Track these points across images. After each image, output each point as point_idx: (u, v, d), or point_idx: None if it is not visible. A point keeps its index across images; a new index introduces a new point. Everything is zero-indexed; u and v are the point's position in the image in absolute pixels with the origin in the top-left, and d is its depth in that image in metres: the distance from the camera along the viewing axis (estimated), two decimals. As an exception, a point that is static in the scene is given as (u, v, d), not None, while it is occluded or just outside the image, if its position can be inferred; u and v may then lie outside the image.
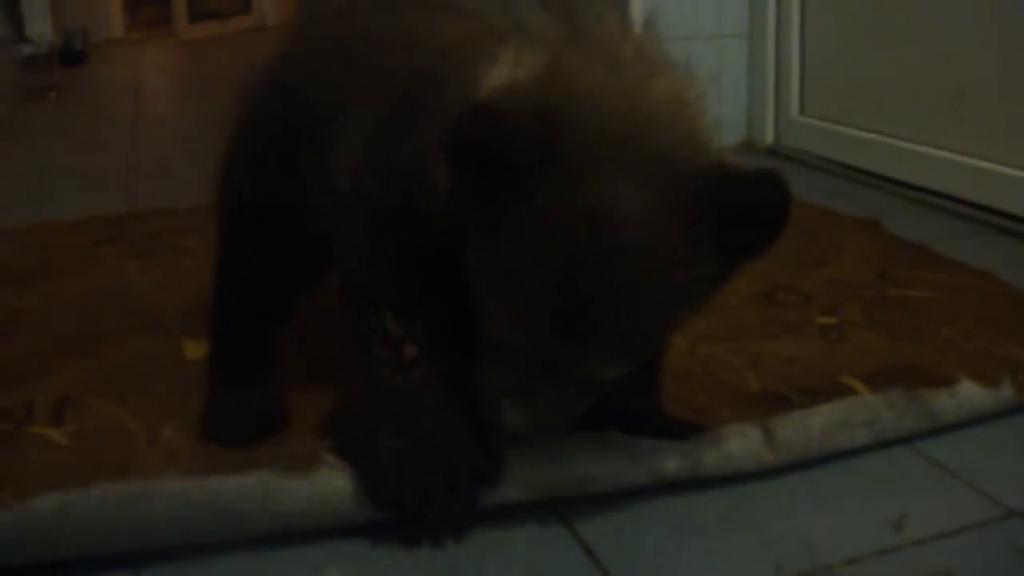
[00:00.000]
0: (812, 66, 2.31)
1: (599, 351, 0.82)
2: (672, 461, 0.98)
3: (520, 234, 0.80)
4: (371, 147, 0.95)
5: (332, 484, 0.94)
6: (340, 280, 1.03)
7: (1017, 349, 1.22)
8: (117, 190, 2.32)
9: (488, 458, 0.93)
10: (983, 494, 0.97)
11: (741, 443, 1.00)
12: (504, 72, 0.85)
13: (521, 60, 0.85)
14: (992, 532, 0.92)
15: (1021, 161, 1.77)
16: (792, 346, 1.28)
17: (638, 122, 0.80)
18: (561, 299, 0.79)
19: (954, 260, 1.56)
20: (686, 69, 0.90)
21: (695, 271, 0.80)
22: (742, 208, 0.79)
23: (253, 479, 0.93)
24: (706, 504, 0.97)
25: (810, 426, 1.02)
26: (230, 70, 4.79)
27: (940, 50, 1.95)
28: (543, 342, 0.82)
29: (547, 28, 0.88)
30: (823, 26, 2.27)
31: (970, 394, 1.08)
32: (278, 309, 1.17)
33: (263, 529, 0.93)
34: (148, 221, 1.98)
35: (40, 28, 4.17)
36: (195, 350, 1.33)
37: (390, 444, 0.92)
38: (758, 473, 1.01)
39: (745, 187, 0.79)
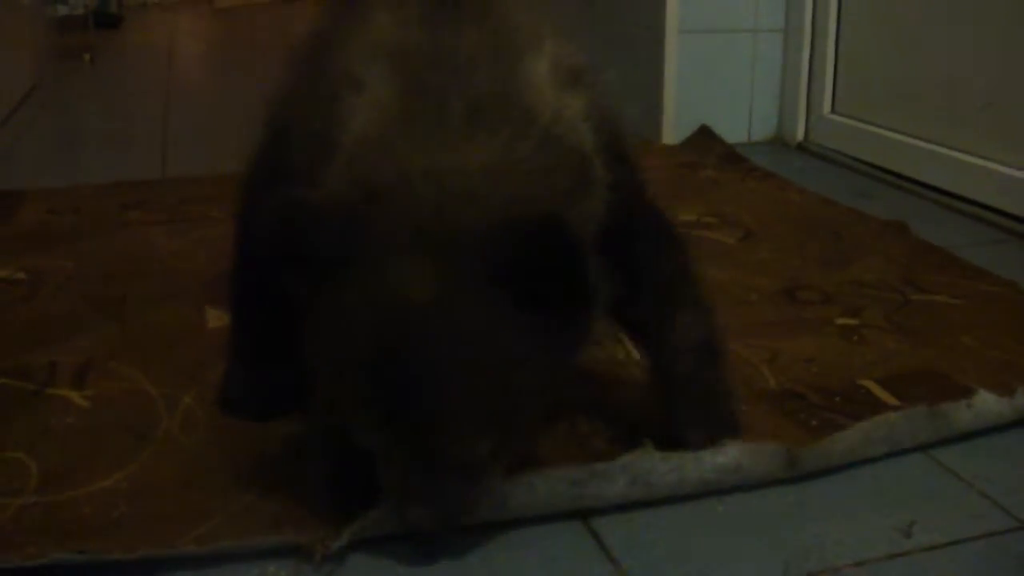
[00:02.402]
0: (846, 64, 2.30)
1: (446, 429, 0.80)
2: (689, 486, 0.97)
3: (331, 332, 0.82)
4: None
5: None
6: None
7: (1038, 360, 1.22)
8: (148, 155, 2.34)
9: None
10: (996, 504, 0.97)
11: (764, 469, 0.99)
12: (353, 136, 0.86)
13: (360, 128, 0.86)
14: (1003, 544, 0.91)
15: (1052, 171, 1.76)
16: (811, 345, 1.28)
17: (438, 204, 0.81)
18: (380, 392, 0.79)
19: (979, 267, 1.56)
20: (576, 76, 0.91)
21: (504, 332, 0.80)
22: (527, 263, 0.78)
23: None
24: (718, 501, 0.97)
25: (833, 451, 1.02)
26: (263, 40, 4.79)
27: (974, 55, 1.93)
28: (392, 438, 0.82)
29: (383, 83, 0.88)
30: (859, 25, 2.25)
31: (986, 405, 1.08)
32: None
33: None
34: (176, 188, 2.00)
35: (76, -11, 4.18)
36: (217, 319, 1.34)
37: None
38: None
39: (526, 242, 0.79)
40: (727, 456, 0.98)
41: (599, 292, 0.84)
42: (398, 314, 0.79)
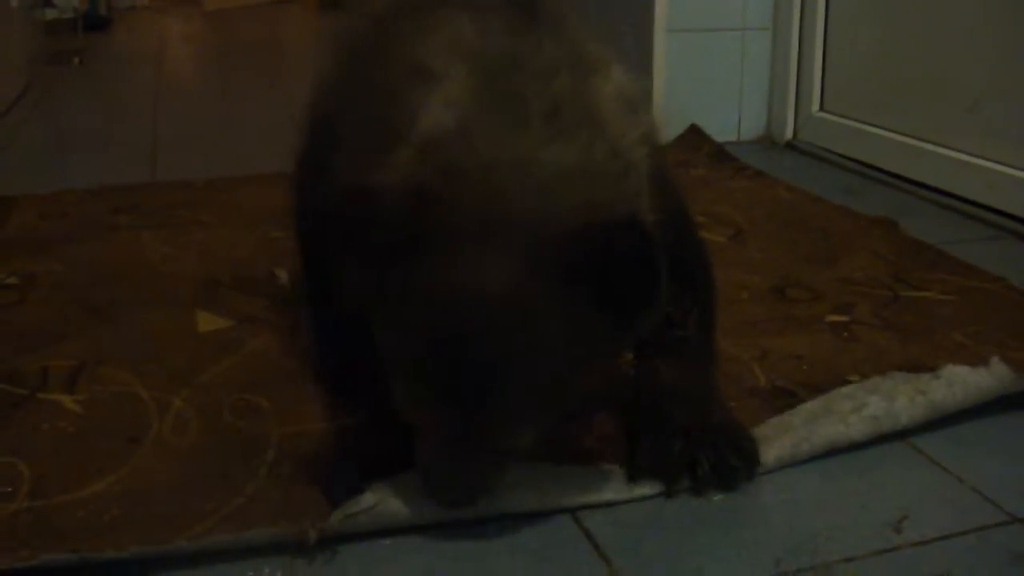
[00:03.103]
0: (834, 63, 2.30)
1: (498, 420, 0.83)
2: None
3: (398, 312, 0.83)
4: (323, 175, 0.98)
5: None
6: None
7: (1027, 355, 1.22)
8: (137, 159, 2.33)
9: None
10: (985, 498, 0.97)
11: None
12: (427, 124, 0.86)
13: (436, 117, 0.87)
14: (992, 537, 0.92)
15: (1040, 166, 1.77)
16: (801, 343, 1.29)
17: (519, 195, 0.82)
18: (444, 377, 0.81)
19: (969, 264, 1.56)
20: (628, 106, 0.93)
21: (576, 330, 0.81)
22: (608, 263, 0.80)
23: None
24: (708, 497, 0.97)
25: (791, 423, 1.03)
26: (252, 43, 4.77)
27: (962, 53, 1.94)
28: (440, 419, 0.83)
29: (462, 78, 0.89)
30: (847, 23, 2.26)
31: (957, 375, 1.08)
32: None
33: None
34: (166, 192, 2.00)
35: (65, -8, 4.17)
36: (207, 322, 1.34)
37: None
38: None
39: (609, 244, 0.80)
40: None
41: (665, 299, 0.85)
42: (470, 302, 0.80)
